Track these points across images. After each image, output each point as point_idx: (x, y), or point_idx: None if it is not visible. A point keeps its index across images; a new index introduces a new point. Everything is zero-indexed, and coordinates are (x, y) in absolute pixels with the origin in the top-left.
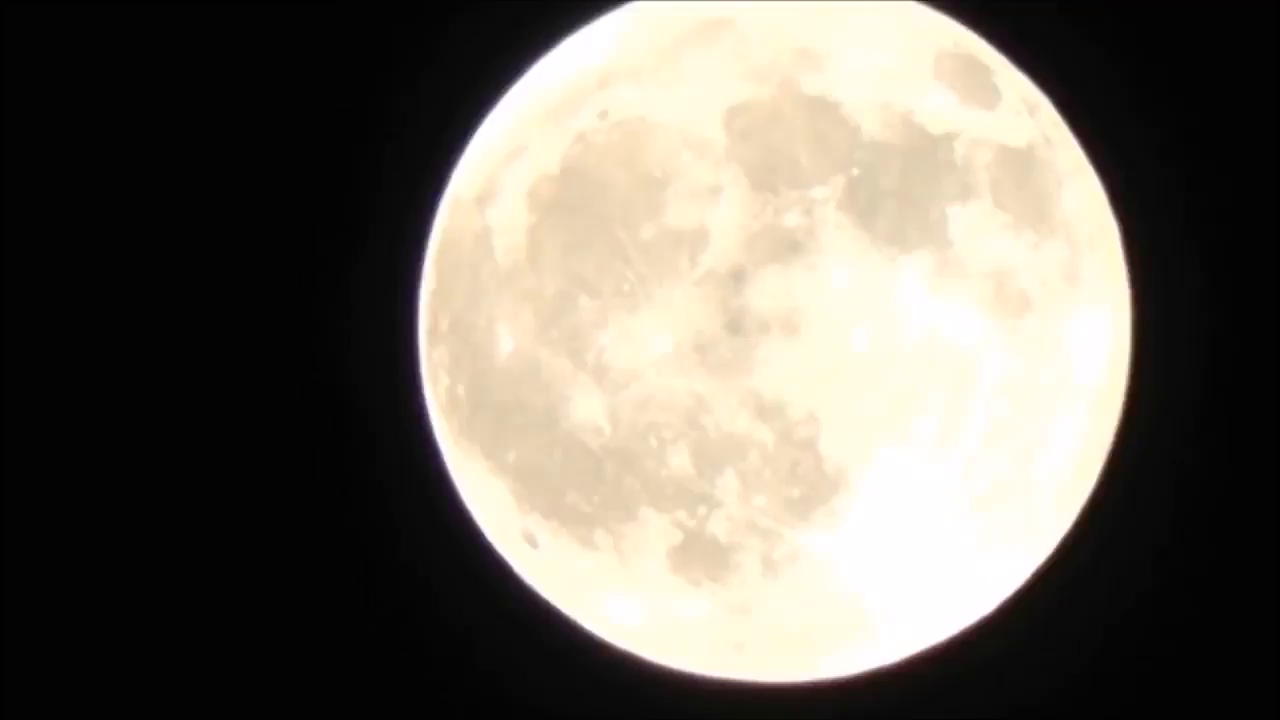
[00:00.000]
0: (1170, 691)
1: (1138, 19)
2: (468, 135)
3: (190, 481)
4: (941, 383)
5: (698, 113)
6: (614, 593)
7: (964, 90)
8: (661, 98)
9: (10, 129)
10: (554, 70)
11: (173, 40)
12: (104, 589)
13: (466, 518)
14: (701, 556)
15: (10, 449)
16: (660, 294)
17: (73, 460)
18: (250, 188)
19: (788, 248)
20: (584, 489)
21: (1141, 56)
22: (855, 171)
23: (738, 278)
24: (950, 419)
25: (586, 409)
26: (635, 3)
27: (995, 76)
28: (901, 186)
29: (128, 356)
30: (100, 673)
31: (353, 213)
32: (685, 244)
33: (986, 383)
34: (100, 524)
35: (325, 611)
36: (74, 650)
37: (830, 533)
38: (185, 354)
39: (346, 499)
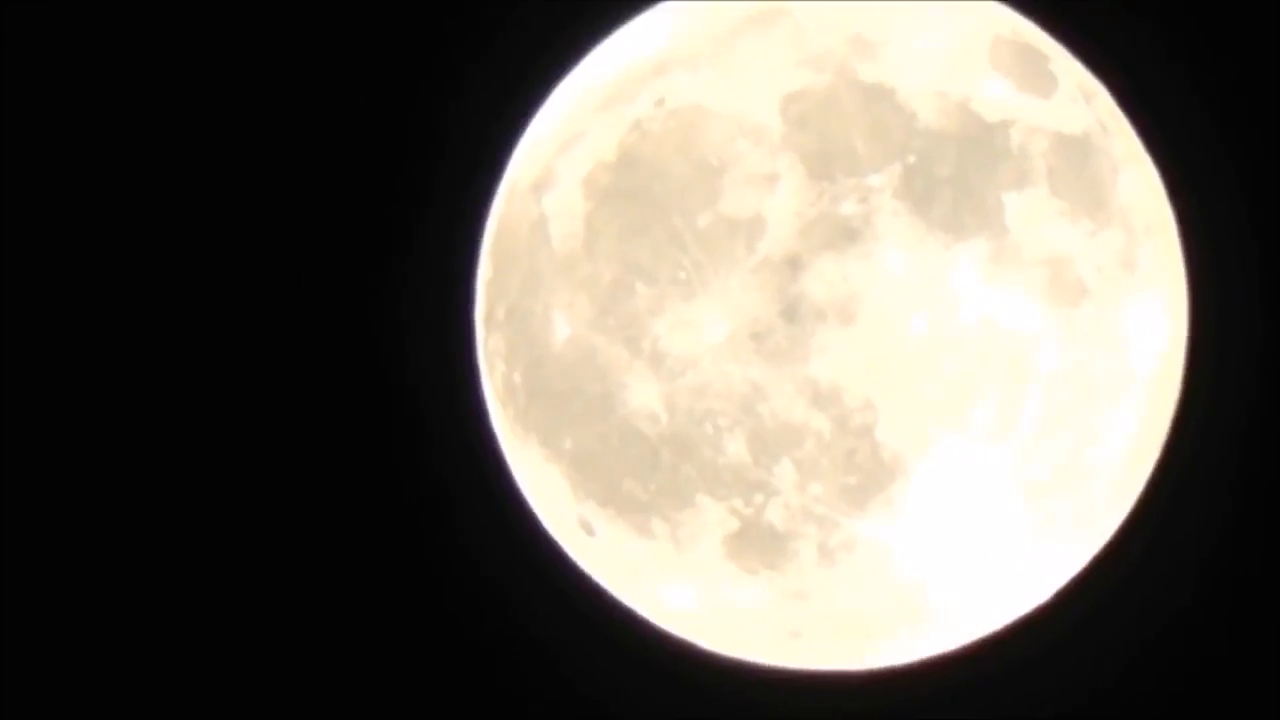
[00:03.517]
0: (1224, 680)
1: (1193, 5)
2: (524, 123)
3: (249, 469)
4: (998, 370)
5: (754, 100)
6: (670, 580)
7: (1020, 78)
8: (718, 85)
9: (93, 132)
10: (611, 58)
11: (233, 31)
12: (167, 574)
13: (523, 505)
14: (758, 544)
15: (72, 435)
16: (716, 281)
17: (140, 446)
18: (308, 177)
19: (844, 235)
20: (640, 476)
21: (1197, 43)
22: (911, 159)
23: (794, 265)
24: (1006, 407)
25: (642, 396)
26: None
27: (1051, 64)
28: (958, 174)
29: (190, 346)
30: (161, 652)
31: (410, 201)
32: (741, 231)
33: (1043, 370)
34: (164, 511)
35: (382, 598)
36: (134, 632)
37: (887, 521)
38: (246, 344)
39: (403, 487)
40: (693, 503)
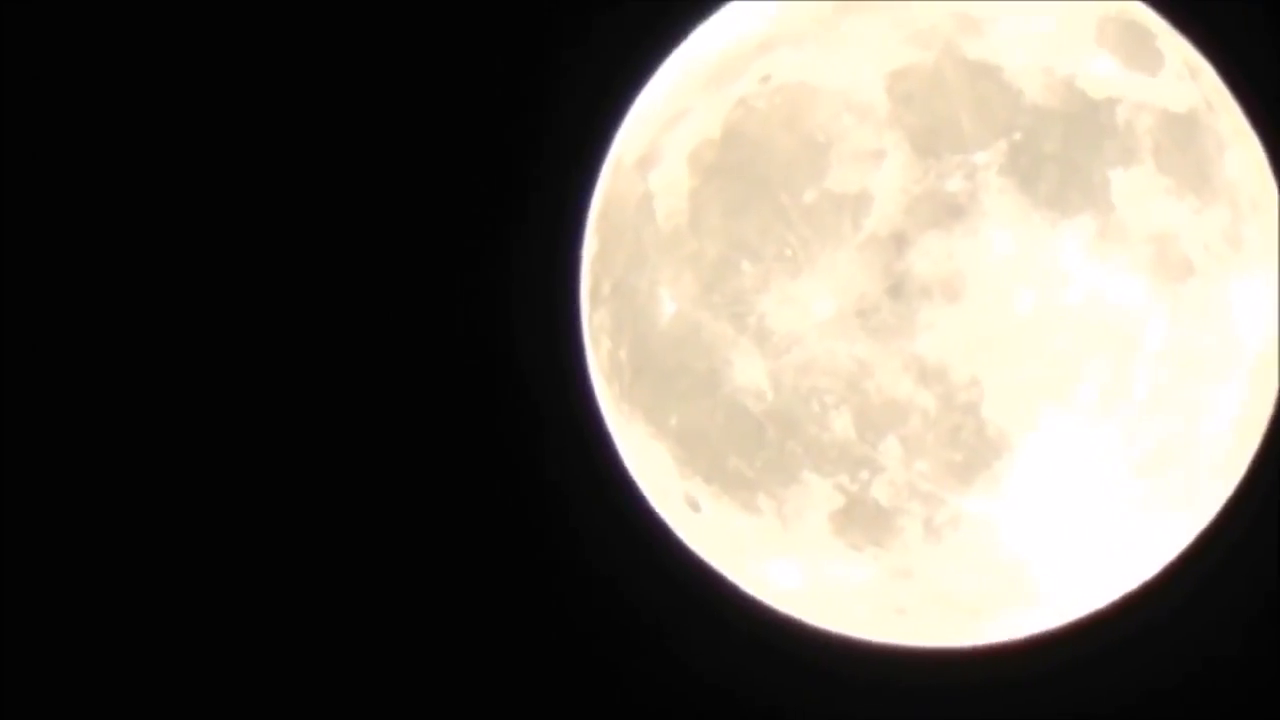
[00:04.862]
0: None
1: None
2: (630, 100)
3: (354, 446)
4: (1103, 347)
5: (860, 77)
6: (775, 556)
7: (1126, 55)
8: (823, 62)
9: (224, 115)
10: (716, 35)
11: (344, 15)
12: (271, 549)
13: (628, 482)
14: (863, 521)
15: (176, 399)
16: (822, 258)
17: (246, 425)
18: (416, 155)
19: (949, 212)
20: (746, 453)
21: None
22: (1017, 136)
23: (900, 242)
24: (1112, 384)
25: (748, 373)
26: None
27: (1158, 41)
28: (1063, 151)
29: (298, 325)
30: (271, 620)
31: (516, 178)
32: (847, 208)
33: (1148, 347)
34: (269, 488)
35: (489, 574)
36: (246, 599)
37: (992, 497)
38: (352, 322)
39: (509, 463)
40: (798, 479)
